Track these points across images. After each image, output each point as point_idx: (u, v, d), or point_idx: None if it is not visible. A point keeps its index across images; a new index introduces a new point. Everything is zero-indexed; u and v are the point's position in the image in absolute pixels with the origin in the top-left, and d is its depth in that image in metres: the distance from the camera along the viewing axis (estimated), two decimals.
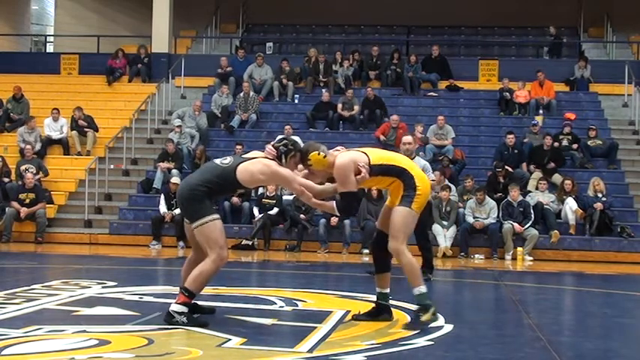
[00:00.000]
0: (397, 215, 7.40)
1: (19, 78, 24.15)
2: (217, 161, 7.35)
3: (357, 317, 7.71)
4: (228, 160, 7.34)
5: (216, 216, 7.20)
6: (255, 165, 7.24)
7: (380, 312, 7.69)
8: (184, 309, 7.10)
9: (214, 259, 7.14)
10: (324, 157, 7.39)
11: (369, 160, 7.42)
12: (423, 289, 7.42)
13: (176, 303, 7.13)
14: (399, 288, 8.45)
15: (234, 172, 7.18)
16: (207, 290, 10.04)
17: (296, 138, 20.21)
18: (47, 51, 31.81)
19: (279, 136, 7.76)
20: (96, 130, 21.38)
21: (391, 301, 7.86)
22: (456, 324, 7.61)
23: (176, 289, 9.80)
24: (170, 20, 24.98)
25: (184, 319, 7.03)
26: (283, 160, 7.32)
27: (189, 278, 7.19)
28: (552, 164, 18.93)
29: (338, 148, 7.73)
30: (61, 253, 16.47)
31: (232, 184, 7.27)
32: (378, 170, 7.45)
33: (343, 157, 7.45)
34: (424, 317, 7.34)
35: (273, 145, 7.43)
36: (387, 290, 7.71)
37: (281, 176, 7.28)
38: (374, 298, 8.17)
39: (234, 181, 7.20)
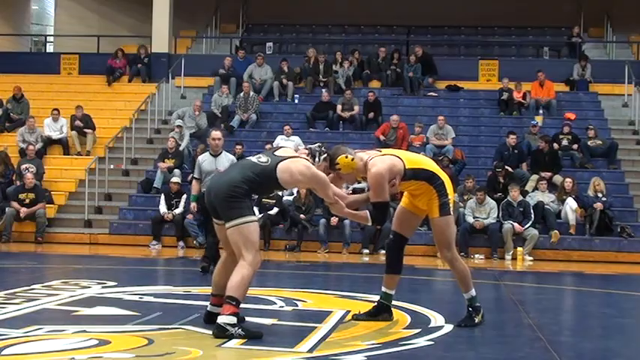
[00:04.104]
0: (445, 225, 7.50)
1: (19, 78, 24.14)
2: (254, 159, 7.02)
3: (358, 317, 7.73)
4: (264, 158, 7.01)
5: (255, 217, 6.96)
6: (296, 164, 6.98)
7: (380, 311, 7.72)
8: (234, 319, 6.67)
9: (252, 262, 6.80)
10: (352, 159, 7.32)
11: (404, 165, 7.37)
12: (473, 292, 7.66)
13: (224, 314, 6.69)
14: (398, 288, 8.45)
15: (275, 171, 6.91)
16: (207, 290, 10.04)
17: (296, 138, 20.40)
18: (47, 51, 31.78)
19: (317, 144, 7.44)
20: (93, 129, 21.36)
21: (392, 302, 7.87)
22: (455, 324, 7.61)
23: (177, 289, 9.81)
24: (170, 20, 24.98)
25: (240, 331, 6.63)
26: (316, 160, 7.14)
27: (232, 286, 6.75)
28: (549, 173, 18.86)
29: (365, 150, 7.66)
30: (61, 253, 16.47)
31: (272, 184, 7.01)
32: (411, 174, 7.40)
33: (380, 164, 7.30)
34: (477, 319, 7.61)
35: (306, 147, 7.30)
36: (393, 292, 7.77)
37: (320, 180, 7.06)
38: (374, 297, 8.20)
39: (274, 181, 6.94)
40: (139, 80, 24.80)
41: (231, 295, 6.73)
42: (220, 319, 6.67)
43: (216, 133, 12.25)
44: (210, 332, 6.76)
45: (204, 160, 12.03)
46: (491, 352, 6.66)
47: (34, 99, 23.04)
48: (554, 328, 8.07)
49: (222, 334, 6.60)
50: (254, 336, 6.65)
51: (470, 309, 7.66)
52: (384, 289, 7.77)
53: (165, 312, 8.14)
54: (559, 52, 26.19)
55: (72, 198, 19.80)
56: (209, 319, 7.10)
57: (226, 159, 12.06)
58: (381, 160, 7.33)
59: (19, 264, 14.04)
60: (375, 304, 7.82)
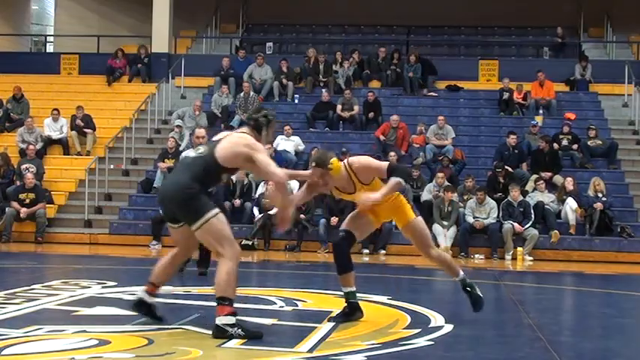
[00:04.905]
0: (422, 224, 7.72)
1: (19, 78, 24.15)
2: (192, 153, 6.94)
3: (334, 319, 7.65)
4: (202, 149, 6.95)
5: (218, 210, 6.79)
6: (231, 139, 6.88)
7: (354, 310, 7.68)
8: (233, 320, 6.61)
9: (231, 256, 6.73)
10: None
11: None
12: (462, 273, 7.91)
13: (221, 315, 6.63)
14: (399, 288, 8.46)
15: (214, 156, 6.78)
16: (208, 290, 10.03)
17: (296, 138, 20.40)
18: (47, 51, 31.79)
19: (256, 106, 7.32)
20: (93, 129, 21.36)
21: (392, 302, 7.87)
22: (455, 324, 7.62)
23: (176, 290, 9.80)
24: (170, 20, 24.98)
25: (240, 331, 6.57)
26: (264, 133, 6.98)
27: (220, 286, 6.66)
28: (549, 173, 18.86)
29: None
30: (61, 253, 16.47)
31: (218, 169, 6.85)
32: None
33: (352, 158, 7.60)
34: (475, 293, 7.86)
35: (251, 116, 7.06)
36: (354, 288, 7.74)
37: (258, 147, 6.81)
38: (374, 297, 8.21)
39: (217, 165, 6.79)
40: (139, 80, 24.81)
41: (222, 296, 6.66)
42: (218, 321, 6.62)
43: (200, 131, 12.17)
44: (211, 332, 6.76)
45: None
46: (492, 352, 6.66)
47: (34, 99, 23.05)
48: (554, 328, 8.07)
49: (223, 335, 6.56)
50: (254, 336, 6.62)
51: (468, 289, 7.88)
52: (346, 288, 7.71)
53: (165, 312, 8.13)
54: (556, 53, 26.13)
55: (72, 198, 19.81)
56: (138, 307, 7.10)
57: None
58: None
59: (19, 264, 14.04)
60: (346, 304, 7.72)
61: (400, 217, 7.68)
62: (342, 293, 7.78)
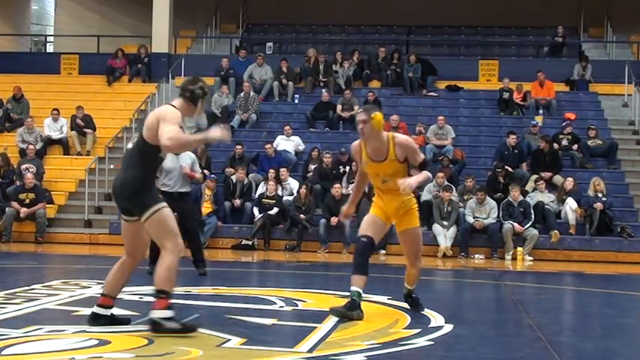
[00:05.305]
0: (420, 234, 8.14)
1: (19, 78, 24.15)
2: (130, 146, 6.96)
3: (334, 309, 7.77)
4: (136, 135, 6.80)
5: (165, 204, 6.76)
6: (149, 118, 6.77)
7: (354, 308, 7.69)
8: (169, 313, 6.60)
9: (173, 250, 6.66)
10: (382, 122, 7.78)
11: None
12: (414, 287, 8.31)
13: (156, 309, 6.61)
14: (399, 288, 8.47)
15: (143, 138, 6.71)
16: (207, 290, 10.04)
17: (296, 138, 20.41)
18: (47, 51, 31.80)
19: (193, 77, 7.17)
20: (93, 129, 21.37)
21: (392, 302, 7.87)
22: (456, 324, 7.62)
23: (177, 289, 9.81)
24: (170, 20, 24.98)
25: (175, 325, 6.59)
26: (199, 105, 6.93)
27: (160, 279, 6.62)
28: (549, 173, 18.85)
29: None
30: (61, 253, 16.48)
31: (150, 153, 6.73)
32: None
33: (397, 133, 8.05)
34: (418, 304, 8.30)
35: (186, 87, 6.95)
36: (361, 291, 7.79)
37: (168, 117, 6.66)
38: (373, 297, 8.24)
39: (148, 148, 6.71)
40: (139, 80, 24.81)
41: (160, 289, 6.63)
42: (154, 315, 6.60)
43: None
44: (211, 332, 6.77)
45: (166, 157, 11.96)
46: (492, 352, 6.66)
47: (34, 99, 23.06)
48: (554, 328, 8.07)
49: (158, 328, 6.55)
50: (190, 329, 6.62)
51: (413, 296, 8.32)
52: (354, 288, 7.76)
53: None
54: (552, 52, 26.11)
55: (72, 198, 19.82)
56: (94, 321, 6.90)
57: (188, 156, 12.01)
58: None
59: (19, 264, 14.04)
60: (350, 300, 7.76)
61: (408, 220, 7.95)
62: (342, 293, 7.78)
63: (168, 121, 6.62)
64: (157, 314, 6.60)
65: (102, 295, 7.00)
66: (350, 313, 7.63)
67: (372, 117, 7.66)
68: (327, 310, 7.93)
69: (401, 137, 7.87)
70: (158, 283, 6.65)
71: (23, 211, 17.99)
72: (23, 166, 19.34)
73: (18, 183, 18.86)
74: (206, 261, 12.07)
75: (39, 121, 21.37)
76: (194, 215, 13.26)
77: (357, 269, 7.82)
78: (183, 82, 7.07)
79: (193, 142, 7.28)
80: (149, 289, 9.58)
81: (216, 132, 6.84)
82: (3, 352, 5.88)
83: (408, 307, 8.34)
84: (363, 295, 7.80)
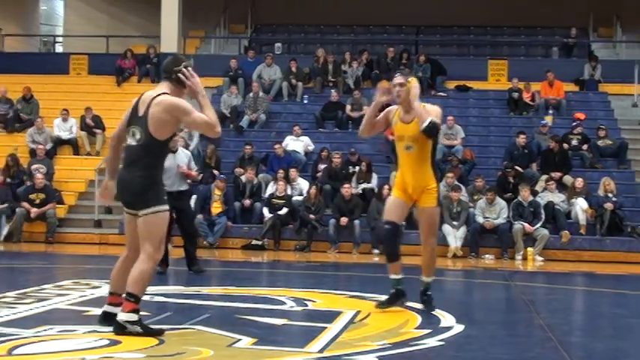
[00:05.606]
0: (437, 215, 8.42)
1: (28, 78, 24.19)
2: (130, 140, 6.79)
3: (381, 304, 8.31)
4: (137, 134, 6.73)
5: (167, 207, 6.73)
6: (156, 107, 6.63)
7: (399, 296, 8.30)
8: (135, 317, 6.52)
9: (152, 256, 6.59)
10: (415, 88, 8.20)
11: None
12: (432, 279, 8.51)
13: (123, 312, 6.54)
14: (409, 288, 8.46)
15: (151, 137, 6.65)
16: (217, 290, 10.04)
17: (305, 138, 20.41)
18: (56, 51, 31.88)
19: (174, 57, 7.08)
20: (102, 129, 21.40)
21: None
22: (466, 324, 7.61)
23: (187, 289, 9.83)
24: (179, 20, 25.00)
25: (138, 329, 6.50)
26: (187, 85, 6.80)
27: (131, 282, 6.55)
28: (559, 173, 18.81)
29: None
30: (72, 253, 16.51)
31: (159, 149, 6.76)
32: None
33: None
34: (430, 304, 8.35)
35: (171, 69, 6.82)
36: (401, 276, 8.34)
37: (188, 109, 6.67)
38: (383, 298, 8.25)
39: (157, 145, 6.70)
40: (148, 80, 24.80)
41: (130, 292, 6.55)
42: (120, 317, 6.55)
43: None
44: (221, 332, 6.77)
45: None
46: (502, 352, 6.64)
47: (43, 99, 23.09)
48: (564, 329, 8.06)
49: (121, 331, 6.49)
50: (154, 333, 6.56)
51: (428, 293, 8.43)
52: (394, 276, 8.31)
53: (176, 312, 8.16)
54: (565, 52, 26.09)
55: (82, 198, 19.85)
56: (105, 320, 6.86)
57: (184, 155, 12.07)
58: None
59: (29, 264, 14.07)
60: (393, 290, 8.31)
61: (425, 198, 8.22)
62: (352, 293, 7.79)
63: (189, 111, 6.67)
64: (123, 317, 6.53)
65: (110, 294, 6.99)
66: (395, 302, 8.27)
67: (408, 81, 8.14)
68: (337, 310, 7.92)
69: (429, 106, 8.26)
70: (129, 284, 6.57)
71: (34, 211, 18.03)
72: (33, 167, 19.39)
73: (28, 183, 18.91)
74: (200, 261, 12.17)
75: (48, 121, 21.42)
76: (191, 214, 13.24)
77: (388, 258, 8.38)
78: (166, 65, 6.93)
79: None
80: (159, 288, 9.65)
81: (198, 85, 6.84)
82: (14, 352, 5.90)
83: (421, 305, 8.39)
84: (376, 295, 7.81)
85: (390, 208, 8.34)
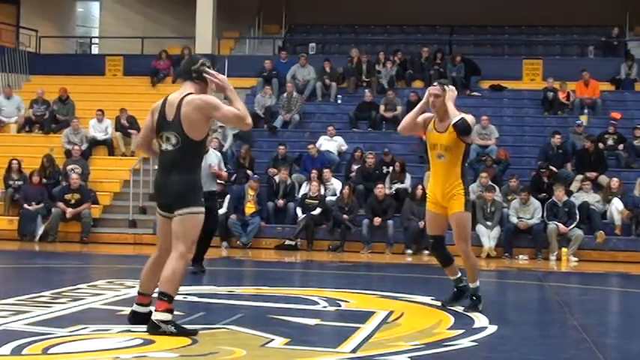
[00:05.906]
0: (467, 220, 8.46)
1: (64, 79, 24.37)
2: (167, 146, 6.75)
3: (446, 303, 8.60)
4: (173, 139, 6.71)
5: (203, 209, 6.78)
6: (186, 107, 6.66)
7: (462, 294, 8.58)
8: (169, 316, 6.56)
9: (184, 255, 6.65)
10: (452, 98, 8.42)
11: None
12: (478, 283, 8.55)
13: (158, 311, 6.57)
14: (442, 289, 8.44)
15: (188, 139, 6.67)
16: (250, 290, 10.07)
17: (339, 138, 20.41)
18: (92, 53, 32.12)
19: (190, 58, 7.11)
20: (137, 130, 21.50)
21: (435, 302, 7.86)
22: (499, 325, 7.58)
23: (220, 289, 9.86)
24: (213, 21, 25.06)
25: (172, 329, 6.53)
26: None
27: (163, 281, 6.61)
28: (594, 173, 18.66)
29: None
30: (106, 253, 16.61)
31: (196, 150, 6.79)
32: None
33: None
34: (480, 307, 8.38)
35: (189, 69, 6.88)
36: (459, 275, 8.66)
37: (217, 104, 6.74)
38: (416, 298, 8.24)
39: (194, 146, 6.72)
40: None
41: (163, 292, 6.59)
42: (154, 316, 6.59)
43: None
44: (254, 332, 6.79)
45: None
46: (536, 353, 6.60)
47: (79, 100, 23.23)
48: (599, 330, 7.99)
49: (156, 330, 6.52)
50: (188, 333, 6.58)
51: (474, 297, 8.48)
52: (453, 277, 8.66)
53: (208, 312, 8.19)
54: (603, 51, 25.92)
55: (117, 198, 19.96)
56: (134, 319, 6.90)
57: (215, 155, 12.12)
58: None
59: (64, 264, 14.17)
60: (455, 289, 8.63)
61: (453, 204, 8.34)
62: (385, 294, 7.79)
63: (219, 106, 6.75)
64: (158, 316, 6.57)
65: (139, 293, 7.03)
66: (459, 300, 8.56)
67: (445, 90, 8.37)
68: (370, 310, 7.91)
69: (466, 114, 8.36)
70: (162, 284, 6.63)
71: (69, 211, 18.16)
72: (69, 167, 19.53)
73: (64, 183, 19.05)
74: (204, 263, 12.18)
75: (84, 122, 21.56)
76: (217, 215, 13.28)
77: (442, 264, 8.74)
78: (183, 67, 7.04)
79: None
80: (193, 288, 9.69)
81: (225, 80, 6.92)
82: (49, 351, 5.95)
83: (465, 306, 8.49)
84: (408, 295, 7.79)
85: (429, 223, 8.69)
